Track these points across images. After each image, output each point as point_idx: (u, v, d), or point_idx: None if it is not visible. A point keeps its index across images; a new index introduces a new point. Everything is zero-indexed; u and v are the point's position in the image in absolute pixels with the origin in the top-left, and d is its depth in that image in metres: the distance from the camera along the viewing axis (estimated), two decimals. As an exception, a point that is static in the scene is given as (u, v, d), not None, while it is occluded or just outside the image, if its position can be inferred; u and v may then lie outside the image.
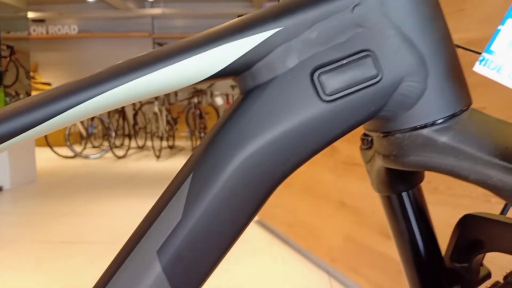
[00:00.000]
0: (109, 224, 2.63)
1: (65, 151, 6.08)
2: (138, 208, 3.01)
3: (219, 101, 6.44)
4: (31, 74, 5.48)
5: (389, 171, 0.33)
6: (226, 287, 1.73)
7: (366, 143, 0.34)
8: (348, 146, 1.57)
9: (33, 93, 4.95)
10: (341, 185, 1.63)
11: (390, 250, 1.39)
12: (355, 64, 0.24)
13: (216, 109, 7.15)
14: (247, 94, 0.25)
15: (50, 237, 2.39)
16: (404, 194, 0.34)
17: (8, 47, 4.51)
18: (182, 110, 6.52)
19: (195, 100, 6.05)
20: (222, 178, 0.23)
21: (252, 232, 2.39)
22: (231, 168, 0.23)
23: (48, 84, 8.24)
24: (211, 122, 7.24)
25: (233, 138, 0.24)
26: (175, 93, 7.11)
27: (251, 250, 2.12)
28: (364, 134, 0.35)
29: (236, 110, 0.25)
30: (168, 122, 6.22)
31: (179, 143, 7.13)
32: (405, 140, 0.25)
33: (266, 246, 2.17)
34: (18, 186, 3.86)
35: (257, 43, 0.24)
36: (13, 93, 4.70)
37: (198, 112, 6.01)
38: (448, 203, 1.09)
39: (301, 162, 0.25)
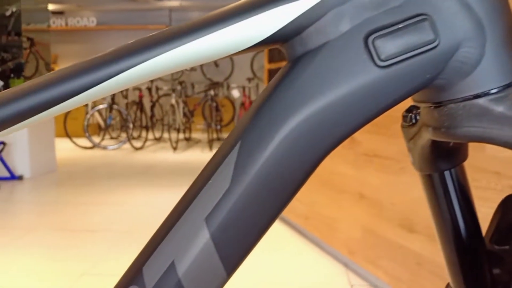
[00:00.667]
0: (127, 213, 2.66)
1: (84, 142, 6.17)
2: (156, 198, 3.04)
3: (235, 93, 6.44)
4: (51, 65, 5.56)
5: (433, 148, 0.32)
6: (240, 279, 1.73)
7: (409, 119, 0.33)
8: (369, 138, 1.55)
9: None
10: (361, 178, 1.61)
11: (410, 242, 1.37)
12: (411, 28, 0.23)
13: (232, 102, 7.16)
14: (296, 61, 0.25)
15: (69, 225, 2.43)
16: (447, 173, 0.33)
17: (28, 39, 4.57)
18: (199, 102, 6.55)
19: (212, 92, 6.06)
20: (271, 146, 0.22)
21: (269, 224, 2.38)
22: (280, 136, 0.22)
23: (67, 75, 8.34)
24: (227, 115, 7.25)
25: (282, 106, 0.23)
26: (192, 85, 7.14)
27: (267, 242, 2.12)
28: (407, 111, 0.34)
29: (284, 77, 0.24)
30: (184, 114, 6.25)
31: (195, 135, 7.16)
32: (459, 111, 0.24)
33: (282, 238, 2.17)
34: (38, 175, 3.93)
35: (309, 7, 0.23)
36: (33, 83, 4.80)
37: (214, 104, 6.02)
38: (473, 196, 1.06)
39: (352, 131, 0.24)
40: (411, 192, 1.37)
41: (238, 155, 0.23)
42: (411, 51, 0.23)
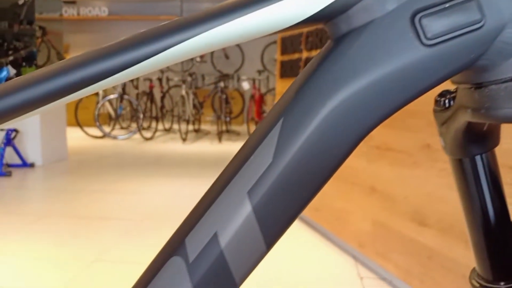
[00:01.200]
0: (138, 202, 2.69)
1: (94, 131, 6.22)
2: (166, 187, 3.06)
3: (245, 85, 6.43)
4: (63, 55, 5.58)
5: (467, 132, 0.32)
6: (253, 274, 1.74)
7: (443, 104, 0.33)
8: (383, 131, 1.54)
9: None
10: (373, 171, 1.61)
11: (421, 236, 1.37)
12: (458, 7, 0.23)
13: (241, 94, 7.15)
14: (340, 39, 0.25)
15: (80, 212, 2.45)
16: (478, 158, 0.33)
17: (40, 27, 4.60)
18: (208, 94, 6.56)
19: (222, 84, 6.06)
20: (314, 123, 0.23)
21: (278, 216, 2.39)
22: (323, 113, 0.23)
23: (79, 65, 8.39)
24: (237, 108, 7.25)
25: (326, 83, 0.23)
26: (202, 76, 7.15)
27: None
28: (440, 95, 0.34)
29: (328, 55, 0.25)
30: (194, 105, 6.27)
31: (204, 127, 7.18)
32: (501, 92, 0.24)
33: (291, 229, 2.17)
34: (49, 163, 3.97)
35: None
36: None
37: (224, 96, 6.02)
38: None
39: (394, 110, 0.24)
40: (424, 186, 1.36)
41: (281, 131, 0.23)
42: (457, 30, 0.23)
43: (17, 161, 3.74)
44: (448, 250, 1.28)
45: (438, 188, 1.30)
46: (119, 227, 2.19)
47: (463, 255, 1.22)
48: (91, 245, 1.94)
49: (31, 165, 3.78)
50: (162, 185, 3.13)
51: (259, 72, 6.45)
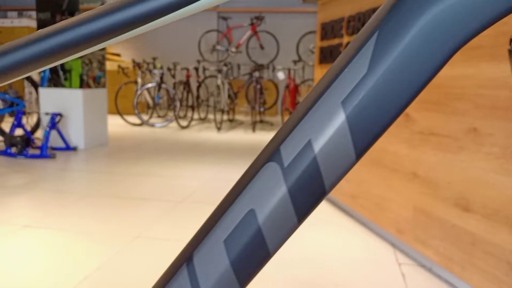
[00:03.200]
0: (176, 185, 2.75)
1: (133, 119, 6.39)
2: (202, 173, 3.12)
3: (280, 75, 6.42)
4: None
5: None
6: (285, 256, 1.76)
7: None
8: (427, 116, 1.52)
9: (107, 62, 5.18)
10: (415, 156, 1.59)
11: (465, 222, 1.34)
12: None
13: (275, 85, 7.15)
14: None
15: (121, 193, 2.54)
16: None
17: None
18: (242, 85, 6.60)
19: (257, 74, 6.08)
20: (409, 35, 0.23)
21: (314, 202, 2.40)
22: (418, 26, 0.23)
23: (118, 55, 8.62)
24: (270, 99, 7.26)
25: None
26: (238, 66, 7.17)
27: (311, 219, 2.13)
28: None
29: None
30: (229, 96, 6.32)
31: (238, 117, 7.24)
32: None
33: (327, 216, 2.18)
34: (91, 147, 4.12)
35: None
36: (87, 61, 4.99)
37: (259, 86, 6.03)
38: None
39: (491, 22, 0.23)
40: (469, 170, 1.33)
41: (376, 43, 0.24)
42: None
43: (61, 144, 3.91)
44: (492, 236, 1.25)
45: (483, 172, 1.27)
46: (159, 207, 2.25)
47: (508, 241, 1.19)
48: (133, 223, 2.02)
49: (74, 149, 3.93)
50: (198, 170, 3.19)
51: (295, 62, 6.41)
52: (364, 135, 0.24)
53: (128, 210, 2.22)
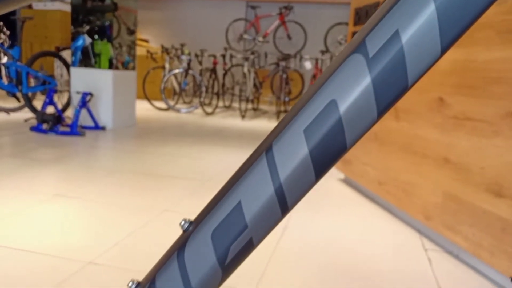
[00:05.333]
0: (201, 166, 2.79)
1: (160, 104, 6.48)
2: (226, 156, 3.15)
3: (308, 65, 6.38)
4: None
5: None
6: (312, 240, 1.77)
7: None
8: (461, 100, 1.49)
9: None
10: (447, 141, 1.57)
11: (496, 208, 1.32)
12: None
13: (301, 75, 7.11)
14: None
15: (149, 170, 2.59)
16: None
17: (113, 3, 4.81)
18: (268, 75, 6.59)
19: (283, 63, 6.06)
20: None
21: (337, 189, 2.39)
22: None
23: (146, 40, 8.72)
24: (296, 89, 7.23)
25: None
26: (265, 54, 7.16)
27: (337, 206, 2.13)
28: None
29: None
30: (254, 84, 6.33)
31: (262, 106, 7.24)
32: None
33: (353, 203, 2.17)
34: (119, 127, 4.21)
35: None
36: (117, 45, 5.07)
37: (285, 76, 6.01)
38: None
39: None
40: (503, 156, 1.31)
41: None
42: None
43: (90, 123, 4.00)
44: (526, 222, 1.23)
45: (520, 157, 1.24)
46: (186, 185, 2.29)
47: (543, 227, 1.17)
48: (161, 197, 2.06)
49: (103, 128, 4.02)
50: (222, 154, 3.22)
51: (322, 52, 6.36)
52: (451, 29, 0.24)
53: (156, 186, 2.27)
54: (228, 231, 0.28)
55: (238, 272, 1.29)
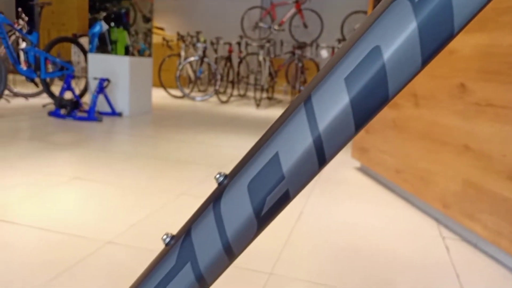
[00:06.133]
0: (216, 152, 2.80)
1: (175, 92, 6.51)
2: (240, 143, 3.15)
3: (324, 53, 6.33)
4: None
5: None
6: (327, 226, 1.77)
7: None
8: (484, 86, 1.46)
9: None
10: (468, 128, 1.54)
11: (519, 196, 1.30)
12: None
13: (317, 64, 7.05)
14: None
15: (166, 155, 2.61)
16: None
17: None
18: (283, 63, 6.55)
19: (299, 52, 6.02)
20: None
21: (353, 177, 2.38)
22: None
23: (162, 28, 8.73)
24: (311, 78, 7.17)
25: None
26: (281, 42, 7.11)
27: (353, 193, 2.12)
28: None
29: None
30: (269, 73, 6.30)
31: (277, 96, 7.22)
32: None
33: (369, 191, 2.16)
34: (135, 114, 4.24)
35: None
36: (133, 32, 5.09)
37: (300, 65, 5.97)
38: None
39: None
40: (527, 143, 1.28)
41: None
42: None
43: (107, 109, 4.04)
44: (548, 211, 1.20)
45: (544, 144, 1.22)
46: (202, 170, 2.30)
47: None
48: (177, 182, 2.07)
49: (119, 115, 4.05)
50: (237, 141, 3.23)
51: (339, 40, 6.29)
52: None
53: (172, 170, 2.29)
54: (264, 182, 0.28)
55: (254, 255, 1.31)
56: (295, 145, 0.27)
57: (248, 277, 1.21)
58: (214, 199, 0.30)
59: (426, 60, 0.25)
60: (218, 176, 0.31)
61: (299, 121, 0.26)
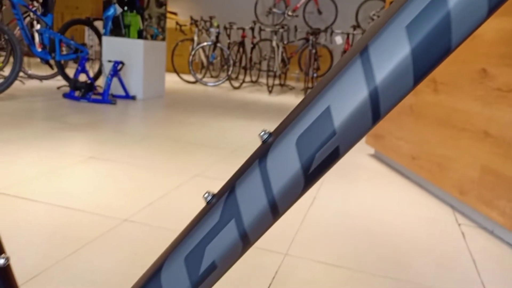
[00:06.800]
0: (229, 135, 2.80)
1: (187, 77, 6.50)
2: (252, 127, 3.15)
3: (338, 40, 6.25)
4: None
5: None
6: (342, 210, 1.76)
7: None
8: (507, 72, 1.43)
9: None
10: (489, 114, 1.51)
11: (540, 183, 1.28)
12: None
13: (330, 52, 6.98)
14: None
15: (180, 137, 2.62)
16: None
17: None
18: (296, 50, 6.49)
19: (313, 38, 5.95)
20: None
21: (367, 163, 2.36)
22: None
23: (174, 13, 8.69)
24: (324, 66, 7.11)
25: None
26: (295, 28, 7.04)
27: (367, 179, 2.11)
28: None
29: None
30: (282, 59, 6.25)
31: (289, 83, 7.17)
32: None
33: (383, 177, 2.14)
34: (148, 98, 4.25)
35: None
36: (146, 17, 5.08)
37: (314, 51, 5.91)
38: None
39: None
40: (551, 129, 1.26)
41: None
42: None
43: (121, 92, 4.05)
44: None
45: None
46: (214, 153, 2.31)
47: None
48: (192, 163, 2.08)
49: (133, 98, 4.07)
50: (249, 126, 3.22)
51: (354, 27, 6.20)
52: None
53: (186, 152, 2.29)
54: (314, 138, 0.27)
55: (269, 237, 1.30)
56: (349, 98, 0.26)
57: (264, 256, 1.22)
58: (260, 156, 0.29)
59: (494, 7, 0.23)
60: (262, 133, 0.30)
61: (354, 73, 0.26)
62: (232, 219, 0.30)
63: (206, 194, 0.32)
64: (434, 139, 1.85)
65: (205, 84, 6.18)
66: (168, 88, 5.10)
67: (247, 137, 2.82)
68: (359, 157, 2.47)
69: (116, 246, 1.21)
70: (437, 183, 1.82)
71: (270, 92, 5.74)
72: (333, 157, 0.27)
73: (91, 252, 1.16)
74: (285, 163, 0.28)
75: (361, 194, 1.85)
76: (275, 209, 0.29)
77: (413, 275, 1.18)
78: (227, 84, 6.38)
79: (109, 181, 1.75)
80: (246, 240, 0.30)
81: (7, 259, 0.39)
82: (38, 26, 4.18)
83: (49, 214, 1.38)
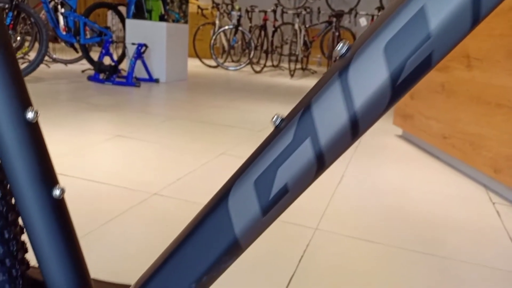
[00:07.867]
0: (253, 116, 2.78)
1: (209, 61, 6.49)
2: (274, 109, 3.12)
3: (363, 21, 6.12)
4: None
5: None
6: (371, 188, 1.73)
7: None
8: (548, 42, 1.37)
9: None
10: (527, 88, 1.45)
11: None
12: None
13: (353, 35, 6.85)
14: None
15: (204, 119, 2.62)
16: None
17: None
18: (319, 33, 6.39)
19: (336, 21, 5.84)
20: None
21: (395, 144, 2.32)
22: None
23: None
24: (347, 50, 6.97)
25: None
26: (318, 9, 6.91)
27: (396, 159, 2.07)
28: None
29: None
30: (304, 43, 6.17)
31: (311, 67, 7.09)
32: None
33: (412, 157, 2.10)
34: (171, 81, 4.26)
35: None
36: (168, 1, 5.07)
37: (337, 34, 5.81)
38: None
39: None
40: None
41: None
42: None
43: (144, 75, 4.07)
44: None
45: None
46: (239, 133, 2.30)
47: None
48: (217, 142, 2.08)
49: (156, 81, 4.08)
50: (271, 108, 3.20)
51: (378, 9, 6.06)
52: None
53: (211, 132, 2.29)
54: (405, 43, 0.24)
55: (299, 211, 1.29)
56: None
57: (295, 230, 1.20)
58: (340, 68, 0.27)
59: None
60: (340, 47, 0.27)
61: None
62: (308, 138, 0.28)
63: (275, 117, 0.30)
64: (467, 117, 1.79)
65: (226, 68, 6.16)
66: (190, 72, 5.11)
67: (269, 118, 2.79)
68: (386, 138, 2.43)
69: (147, 217, 1.22)
70: (470, 162, 1.77)
71: (292, 76, 5.68)
72: (425, 66, 0.25)
73: (123, 223, 1.17)
74: (371, 73, 0.25)
75: (391, 173, 1.82)
76: (355, 127, 0.27)
77: (449, 252, 1.15)
78: (248, 68, 6.34)
79: (136, 157, 1.76)
80: (321, 161, 0.28)
81: (62, 190, 0.38)
82: (62, 10, 4.21)
83: (81, 188, 1.40)
